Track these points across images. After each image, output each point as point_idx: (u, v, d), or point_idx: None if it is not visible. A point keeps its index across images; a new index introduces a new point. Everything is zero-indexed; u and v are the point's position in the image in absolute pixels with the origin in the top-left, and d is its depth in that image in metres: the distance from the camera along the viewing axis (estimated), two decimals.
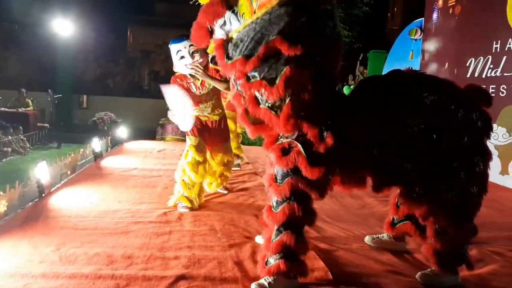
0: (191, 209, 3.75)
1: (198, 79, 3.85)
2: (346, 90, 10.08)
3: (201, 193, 3.92)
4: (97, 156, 6.00)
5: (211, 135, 4.05)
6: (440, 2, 7.46)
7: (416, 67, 8.37)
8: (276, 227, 2.35)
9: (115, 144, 7.44)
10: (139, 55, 15.03)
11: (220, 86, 3.80)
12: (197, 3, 7.27)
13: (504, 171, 5.66)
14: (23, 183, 3.80)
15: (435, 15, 7.58)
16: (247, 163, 6.33)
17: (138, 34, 16.68)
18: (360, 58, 13.80)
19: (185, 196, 3.78)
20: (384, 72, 10.16)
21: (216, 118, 4.11)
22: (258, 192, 4.54)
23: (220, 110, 4.17)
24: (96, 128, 11.19)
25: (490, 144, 5.81)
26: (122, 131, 7.98)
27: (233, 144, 6.91)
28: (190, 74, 3.80)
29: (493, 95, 5.90)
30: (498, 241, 3.36)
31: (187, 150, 3.88)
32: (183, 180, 3.81)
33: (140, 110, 12.45)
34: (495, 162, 5.80)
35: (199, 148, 3.87)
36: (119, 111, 12.04)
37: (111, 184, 4.60)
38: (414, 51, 8.67)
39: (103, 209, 3.66)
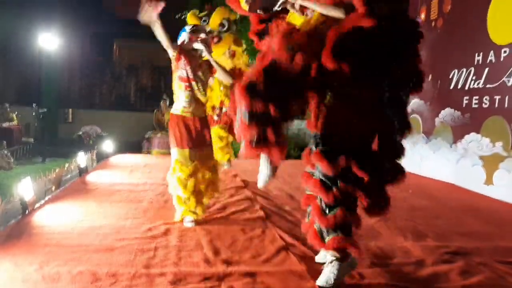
0: (197, 221, 3.77)
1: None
2: None
3: (200, 199, 3.84)
4: (82, 171, 5.93)
5: (195, 139, 3.91)
6: (423, 16, 7.59)
7: None
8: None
9: (100, 158, 7.37)
10: (125, 69, 14.98)
11: (220, 71, 4.01)
12: (183, 17, 7.28)
13: (488, 181, 5.72)
14: (6, 200, 3.74)
15: None
16: (235, 175, 6.30)
17: (124, 48, 16.65)
18: None
19: (187, 210, 3.78)
20: None
21: (200, 115, 3.98)
22: (246, 205, 4.52)
23: (204, 108, 4.08)
24: (82, 142, 11.07)
25: (474, 154, 5.92)
26: (107, 145, 7.91)
27: (222, 151, 6.91)
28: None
29: (476, 106, 6.02)
30: (484, 252, 3.38)
31: (174, 165, 3.84)
32: (178, 195, 3.80)
33: (126, 124, 12.36)
34: (479, 172, 5.87)
35: (185, 162, 3.81)
36: (105, 125, 11.94)
37: (96, 199, 4.54)
38: None
39: (88, 225, 3.61)
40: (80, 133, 11.55)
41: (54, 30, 12.08)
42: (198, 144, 3.91)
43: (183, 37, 3.95)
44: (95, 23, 14.96)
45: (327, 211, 2.54)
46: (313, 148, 2.64)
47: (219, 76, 4.25)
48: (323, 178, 2.55)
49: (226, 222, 3.92)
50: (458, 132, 6.38)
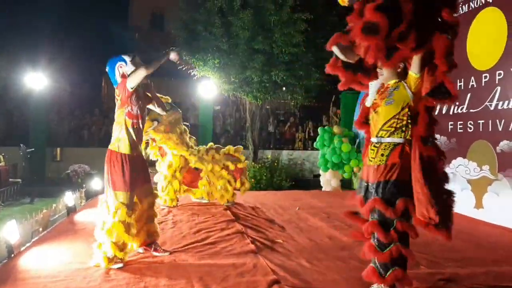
0: (125, 263, 3.58)
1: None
2: (320, 132, 10.24)
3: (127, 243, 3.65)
4: (70, 211, 5.85)
5: (140, 178, 3.77)
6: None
7: None
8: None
9: (89, 197, 7.28)
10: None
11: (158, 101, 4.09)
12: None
13: (478, 205, 5.75)
14: None
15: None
16: (225, 209, 6.25)
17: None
18: (333, 100, 14.13)
19: (111, 257, 3.51)
20: (356, 113, 10.43)
21: (141, 151, 3.87)
22: (236, 239, 4.46)
23: (140, 142, 3.91)
24: (70, 181, 10.95)
25: (463, 178, 5.96)
26: (96, 183, 7.83)
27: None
28: None
29: (461, 131, 6.10)
30: (476, 277, 3.36)
31: (117, 208, 3.59)
32: (112, 242, 3.51)
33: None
34: (469, 196, 5.89)
35: (130, 206, 3.63)
36: (94, 162, 11.81)
37: (84, 240, 4.45)
38: None
39: (75, 268, 3.52)
40: (69, 171, 11.44)
41: (41, 69, 12.13)
42: (142, 183, 3.80)
43: (126, 68, 3.72)
44: (83, 61, 15.10)
45: (383, 248, 2.78)
46: (374, 195, 2.83)
47: (155, 107, 4.20)
48: (381, 220, 2.79)
49: (217, 257, 3.85)
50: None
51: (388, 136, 2.86)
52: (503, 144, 5.37)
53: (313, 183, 11.62)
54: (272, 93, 10.96)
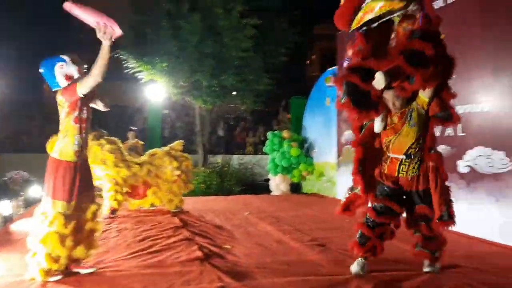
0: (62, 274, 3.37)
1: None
2: (270, 136, 10.31)
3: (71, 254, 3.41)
4: (6, 220, 5.53)
5: (84, 186, 3.49)
6: (350, 52, 7.95)
7: (333, 113, 8.79)
8: None
9: (28, 205, 6.92)
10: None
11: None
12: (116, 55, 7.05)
13: None
14: None
15: (345, 64, 8.05)
16: (172, 216, 6.14)
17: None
18: (282, 104, 14.30)
19: (47, 269, 3.29)
20: (305, 117, 10.61)
21: (86, 157, 3.63)
22: (183, 246, 4.38)
23: (86, 148, 3.64)
24: (7, 189, 10.35)
25: None
26: (35, 191, 7.46)
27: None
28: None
29: None
30: (418, 277, 3.48)
31: (54, 217, 3.32)
32: (47, 253, 3.28)
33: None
34: None
35: (68, 216, 3.35)
36: (33, 169, 11.27)
37: (20, 251, 4.18)
38: (330, 98, 9.10)
39: (9, 281, 3.31)
40: (5, 179, 10.82)
41: None
42: (85, 191, 3.53)
43: (69, 71, 3.44)
44: (24, 65, 14.37)
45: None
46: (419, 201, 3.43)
47: (97, 105, 3.71)
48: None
49: (162, 265, 3.74)
50: None
51: (417, 152, 3.36)
52: (440, 149, 5.61)
53: (263, 187, 11.68)
54: (222, 97, 10.94)
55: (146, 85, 11.03)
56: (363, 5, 3.17)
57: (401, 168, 3.41)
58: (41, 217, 3.41)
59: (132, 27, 10.66)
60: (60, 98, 3.44)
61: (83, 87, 3.33)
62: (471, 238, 4.93)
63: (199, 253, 4.07)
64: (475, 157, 5.06)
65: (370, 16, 3.09)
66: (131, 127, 8.79)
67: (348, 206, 3.53)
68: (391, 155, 3.45)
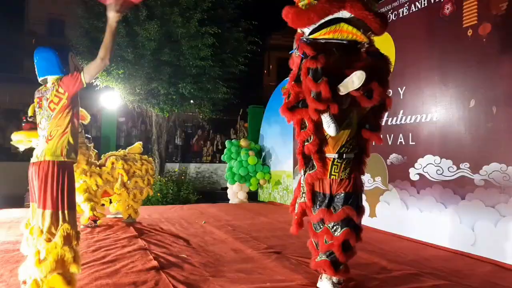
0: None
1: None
2: (227, 145, 10.32)
3: None
4: None
5: (32, 189, 3.05)
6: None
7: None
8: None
9: None
10: (5, 115, 13.85)
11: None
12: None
13: (372, 214, 6.17)
14: None
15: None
16: (127, 225, 6.01)
17: (5, 93, 15.46)
18: (240, 113, 14.36)
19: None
20: (262, 126, 10.71)
21: (41, 158, 2.98)
22: (138, 256, 4.30)
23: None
24: None
25: None
26: None
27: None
28: None
29: None
30: (370, 281, 3.58)
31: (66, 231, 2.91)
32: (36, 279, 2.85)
33: (5, 175, 11.25)
34: (364, 205, 6.29)
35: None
36: None
37: None
38: None
39: None
40: None
41: None
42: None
43: (76, 63, 3.21)
44: None
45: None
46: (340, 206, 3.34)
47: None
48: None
49: (116, 276, 3.65)
50: None
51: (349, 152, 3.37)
52: (392, 157, 5.84)
53: (220, 196, 11.65)
54: (179, 105, 10.86)
55: (101, 92, 10.78)
56: (334, 24, 3.13)
57: (333, 169, 3.37)
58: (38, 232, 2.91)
59: (86, 32, 10.42)
60: (59, 90, 3.01)
61: (89, 74, 2.96)
62: (422, 243, 5.14)
63: (154, 263, 4.01)
64: (425, 165, 5.29)
65: (336, 36, 3.13)
66: (86, 135, 8.50)
67: (301, 221, 3.50)
68: (325, 155, 3.39)
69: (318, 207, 3.38)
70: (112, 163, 6.23)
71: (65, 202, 2.93)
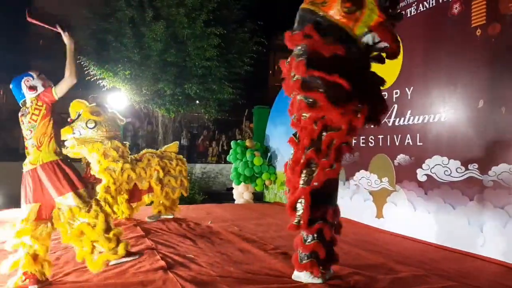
0: (42, 283, 3.35)
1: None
2: (233, 145, 10.32)
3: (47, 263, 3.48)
4: None
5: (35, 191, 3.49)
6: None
7: None
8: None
9: None
10: (11, 116, 13.93)
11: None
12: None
13: (379, 215, 6.14)
14: None
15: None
16: (135, 225, 6.03)
17: (12, 94, 15.54)
18: (245, 114, 14.37)
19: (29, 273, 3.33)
20: (268, 127, 10.70)
21: (36, 163, 3.48)
22: (146, 255, 4.30)
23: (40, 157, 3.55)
24: None
25: (365, 190, 6.34)
26: None
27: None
28: None
29: (364, 145, 6.50)
30: (377, 283, 3.57)
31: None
32: (27, 253, 3.36)
33: (15, 175, 11.32)
34: (370, 206, 6.28)
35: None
36: None
37: None
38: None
39: None
40: None
41: None
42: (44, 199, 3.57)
43: (33, 83, 3.60)
44: None
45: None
46: None
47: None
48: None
49: (123, 276, 3.67)
50: (349, 170, 6.81)
51: None
52: (400, 158, 5.81)
53: (226, 196, 11.65)
54: (185, 106, 10.88)
55: (108, 92, 10.83)
56: None
57: None
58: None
59: (94, 34, 10.46)
60: (38, 104, 3.57)
61: (59, 90, 3.52)
62: (429, 245, 5.11)
63: (162, 263, 4.02)
64: (433, 166, 5.26)
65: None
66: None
67: (299, 220, 3.65)
68: None
69: None
70: (148, 160, 6.36)
71: (77, 183, 3.52)
